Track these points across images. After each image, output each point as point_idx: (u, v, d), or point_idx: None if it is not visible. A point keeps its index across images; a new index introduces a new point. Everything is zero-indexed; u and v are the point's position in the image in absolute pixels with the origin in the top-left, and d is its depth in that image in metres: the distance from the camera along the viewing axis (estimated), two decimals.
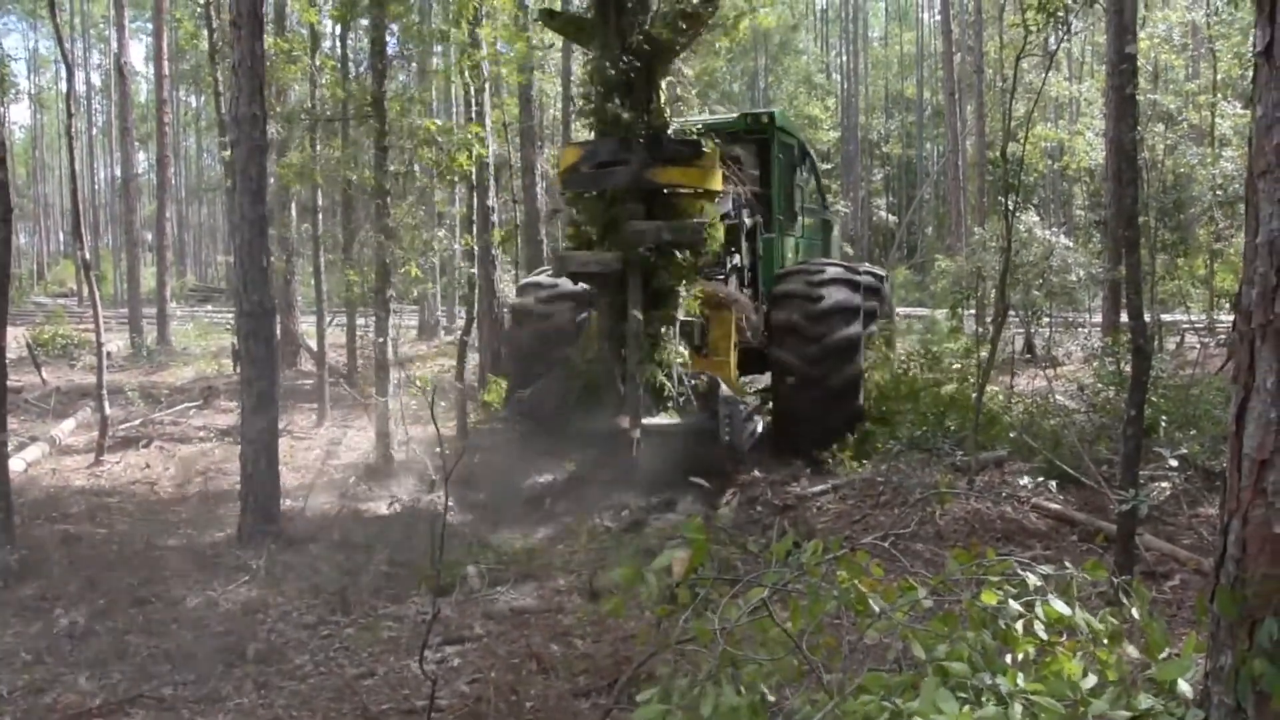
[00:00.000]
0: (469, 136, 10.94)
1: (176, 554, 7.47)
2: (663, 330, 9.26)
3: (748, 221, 10.72)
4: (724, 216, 10.19)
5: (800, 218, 12.97)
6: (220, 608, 6.31)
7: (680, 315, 9.49)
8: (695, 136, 9.49)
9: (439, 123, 11.25)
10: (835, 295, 10.19)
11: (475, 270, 12.41)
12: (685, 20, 9.12)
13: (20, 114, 60.04)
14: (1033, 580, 3.02)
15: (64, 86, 49.89)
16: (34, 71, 58.68)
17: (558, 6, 12.86)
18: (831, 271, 10.61)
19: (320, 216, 13.74)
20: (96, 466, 11.13)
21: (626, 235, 8.91)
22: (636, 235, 8.88)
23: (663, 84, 9.45)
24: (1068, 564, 3.50)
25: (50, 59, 58.64)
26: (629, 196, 9.02)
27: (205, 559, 7.20)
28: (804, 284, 10.40)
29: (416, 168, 11.18)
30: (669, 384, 9.14)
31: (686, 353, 9.59)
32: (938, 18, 34.60)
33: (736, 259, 10.73)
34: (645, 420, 8.61)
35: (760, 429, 9.60)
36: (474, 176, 12.10)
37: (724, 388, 9.21)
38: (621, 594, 5.33)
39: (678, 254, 9.13)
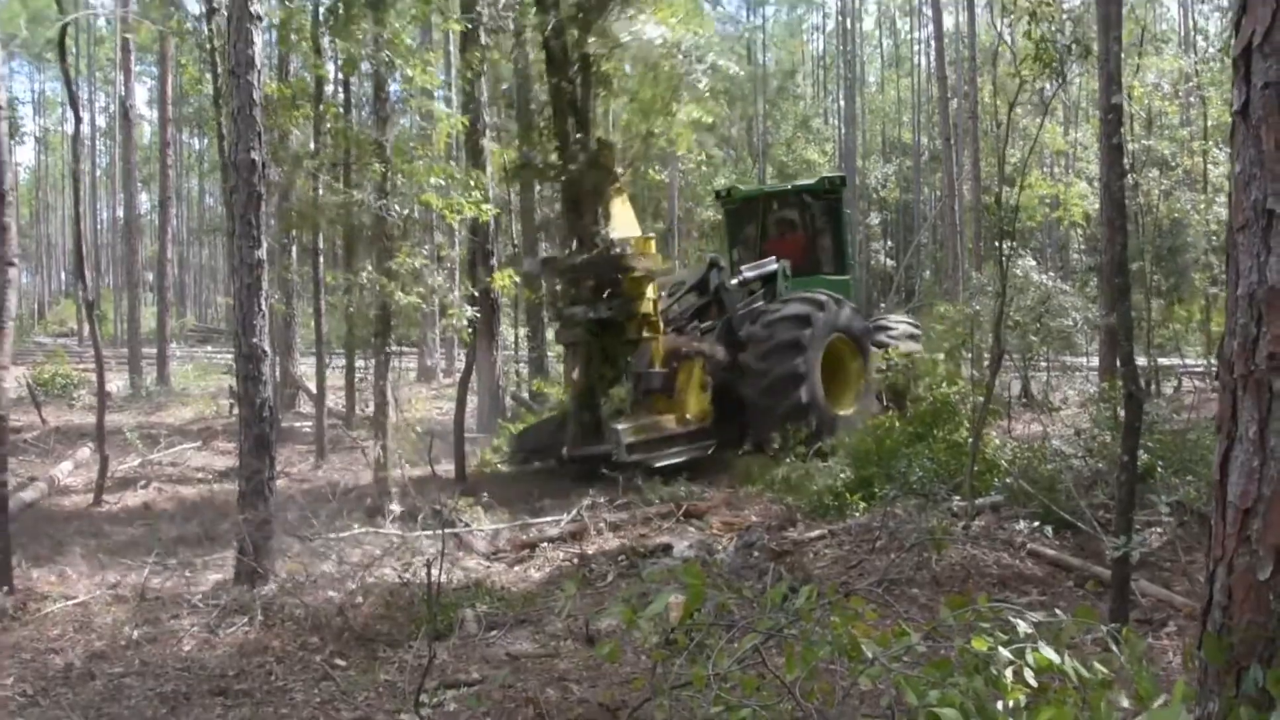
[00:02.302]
0: (469, 181, 11.06)
1: (173, 595, 7.47)
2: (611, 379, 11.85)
3: (727, 283, 13.33)
4: (703, 280, 13.37)
5: (855, 265, 15.18)
6: (217, 650, 6.30)
7: (649, 368, 11.92)
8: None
9: (444, 166, 11.37)
10: (790, 308, 12.56)
11: (476, 314, 12.49)
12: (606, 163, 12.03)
13: (25, 155, 60.37)
14: (1023, 627, 3.04)
15: (68, 128, 50.28)
16: (39, 113, 59.17)
17: None
18: (805, 293, 12.96)
19: (321, 259, 13.84)
20: (95, 507, 11.14)
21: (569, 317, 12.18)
22: (571, 318, 12.16)
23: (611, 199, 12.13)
24: (1059, 610, 3.53)
25: (56, 101, 59.17)
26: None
27: (202, 600, 7.20)
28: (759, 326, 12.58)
29: (417, 212, 11.29)
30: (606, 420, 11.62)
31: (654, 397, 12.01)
32: (933, 64, 35.03)
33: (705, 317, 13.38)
34: (583, 449, 11.74)
35: (680, 458, 11.64)
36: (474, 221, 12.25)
37: (620, 423, 11.29)
38: (618, 638, 5.35)
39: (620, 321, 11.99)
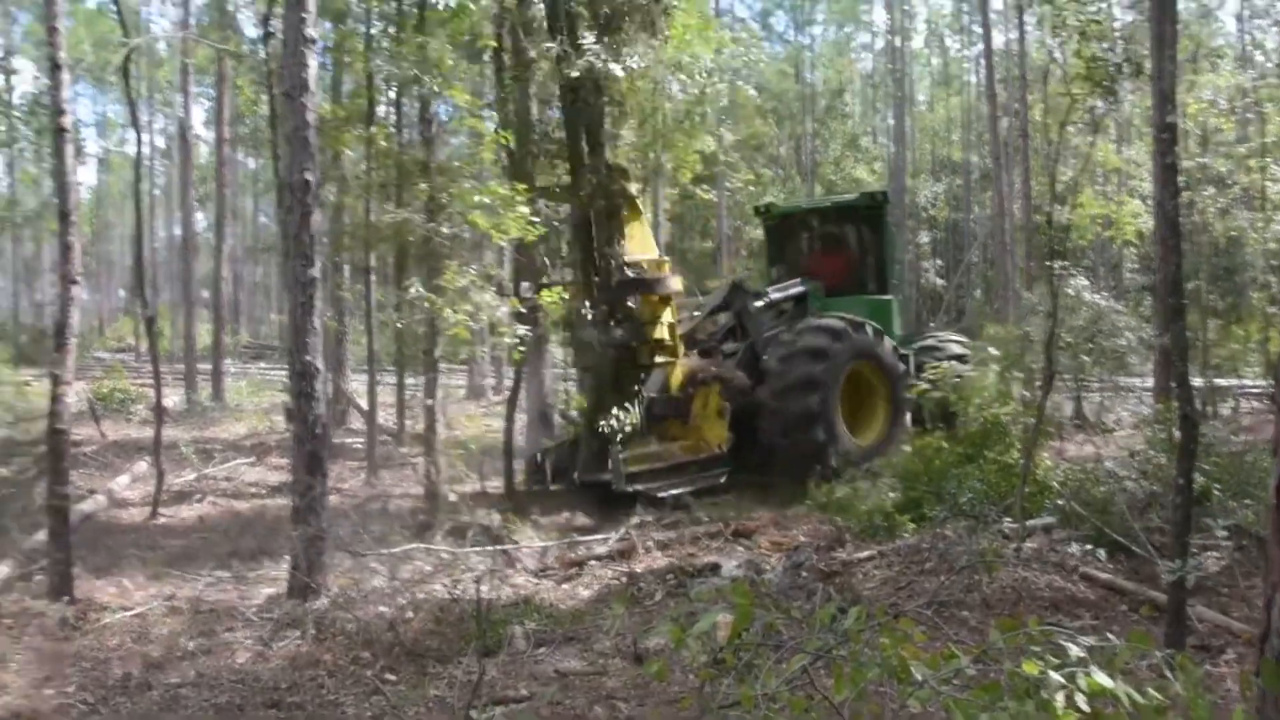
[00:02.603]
0: (514, 199, 11.12)
1: (228, 608, 7.60)
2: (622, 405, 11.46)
3: (750, 305, 13.00)
4: (722, 305, 13.16)
5: (901, 285, 14.62)
6: (270, 663, 6.41)
7: (663, 394, 11.82)
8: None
9: (490, 186, 11.46)
10: (807, 340, 12.11)
11: (526, 332, 12.57)
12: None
13: (87, 175, 61.81)
14: (1075, 651, 3.02)
15: (130, 149, 51.27)
16: (102, 135, 60.58)
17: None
18: (823, 322, 12.53)
19: (373, 278, 14.01)
20: (152, 520, 11.36)
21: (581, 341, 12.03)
22: (586, 342, 11.91)
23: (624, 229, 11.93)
24: (1113, 635, 3.49)
25: (117, 123, 60.54)
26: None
27: (256, 613, 7.31)
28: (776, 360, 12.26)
29: (466, 231, 11.39)
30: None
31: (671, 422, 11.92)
32: (983, 81, 34.79)
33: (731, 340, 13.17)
34: (593, 474, 11.43)
35: (686, 487, 11.32)
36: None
37: (621, 452, 10.98)
38: (666, 657, 5.36)
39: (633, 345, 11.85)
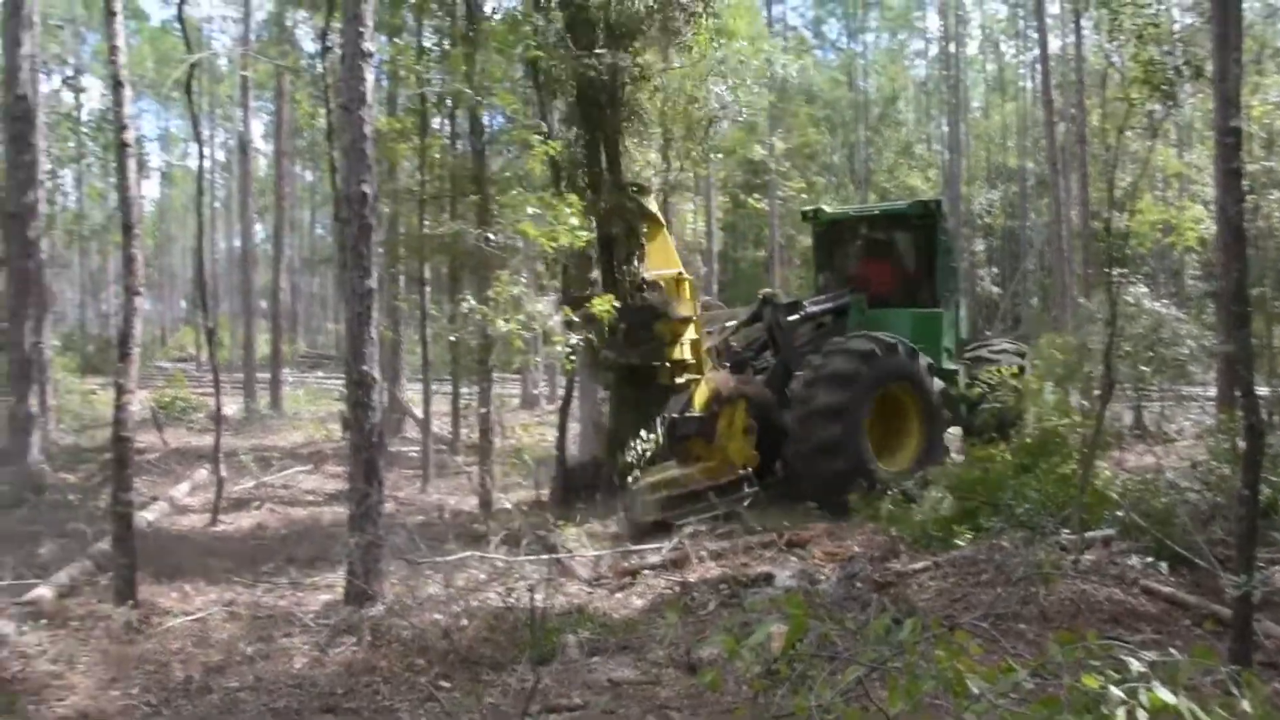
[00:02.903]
0: (565, 209, 11.18)
1: (285, 614, 7.71)
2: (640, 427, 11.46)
3: (782, 319, 12.62)
4: (754, 318, 12.84)
5: (956, 297, 14.34)
6: (327, 668, 6.49)
7: (686, 413, 11.54)
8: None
9: (541, 195, 11.54)
10: (834, 364, 11.57)
11: (578, 341, 12.62)
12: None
13: (150, 189, 63.21)
14: (1136, 666, 2.97)
15: (192, 163, 52.26)
16: (164, 149, 61.98)
17: None
18: (851, 344, 11.92)
19: (428, 288, 14.17)
20: (212, 526, 11.56)
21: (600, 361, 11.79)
22: (606, 361, 11.71)
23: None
24: (1175, 650, 3.43)
25: (179, 137, 61.89)
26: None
27: (313, 620, 7.41)
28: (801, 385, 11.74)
29: (518, 241, 11.47)
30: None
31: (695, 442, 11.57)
32: (1038, 87, 34.34)
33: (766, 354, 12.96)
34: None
35: (708, 513, 10.90)
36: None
37: (639, 482, 10.91)
38: (720, 667, 5.35)
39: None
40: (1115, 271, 9.39)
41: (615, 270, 11.81)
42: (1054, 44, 34.74)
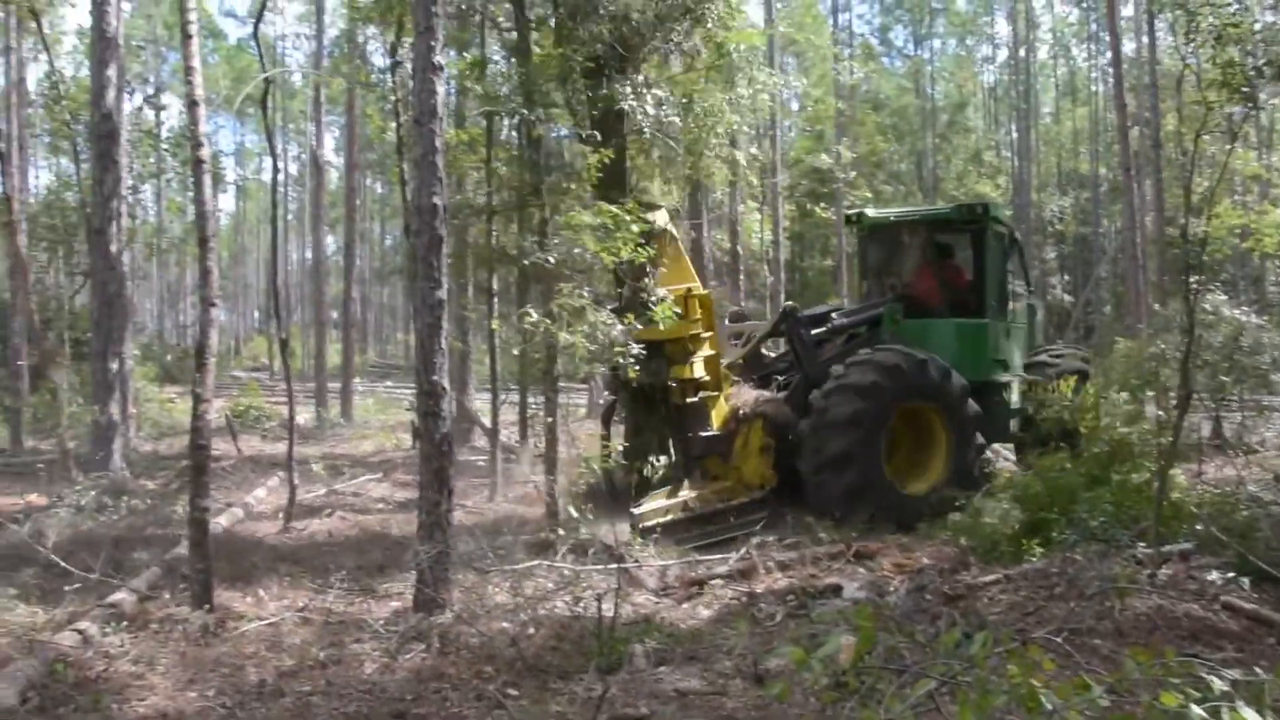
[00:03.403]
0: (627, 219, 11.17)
1: (356, 620, 7.83)
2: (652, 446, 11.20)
3: (804, 333, 12.31)
4: (774, 331, 12.65)
5: (1012, 305, 13.41)
6: (396, 674, 6.57)
7: (702, 432, 11.32)
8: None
9: (602, 207, 11.58)
10: (853, 376, 11.23)
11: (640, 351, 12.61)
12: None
13: (226, 202, 64.82)
14: (1218, 684, 2.91)
15: (266, 177, 53.46)
16: (240, 164, 63.50)
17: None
18: (877, 357, 11.51)
19: (495, 299, 14.31)
20: (284, 533, 11.78)
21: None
22: (609, 382, 11.74)
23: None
24: (1259, 669, 3.35)
25: (253, 151, 63.39)
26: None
27: (383, 626, 7.52)
28: (820, 396, 11.41)
29: (582, 252, 11.49)
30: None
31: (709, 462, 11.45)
32: (1111, 91, 33.72)
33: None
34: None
35: (714, 538, 10.68)
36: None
37: (639, 506, 10.56)
38: (787, 679, 5.32)
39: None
40: (1192, 279, 9.17)
41: (625, 286, 11.45)
42: (1127, 46, 34.11)
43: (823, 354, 12.42)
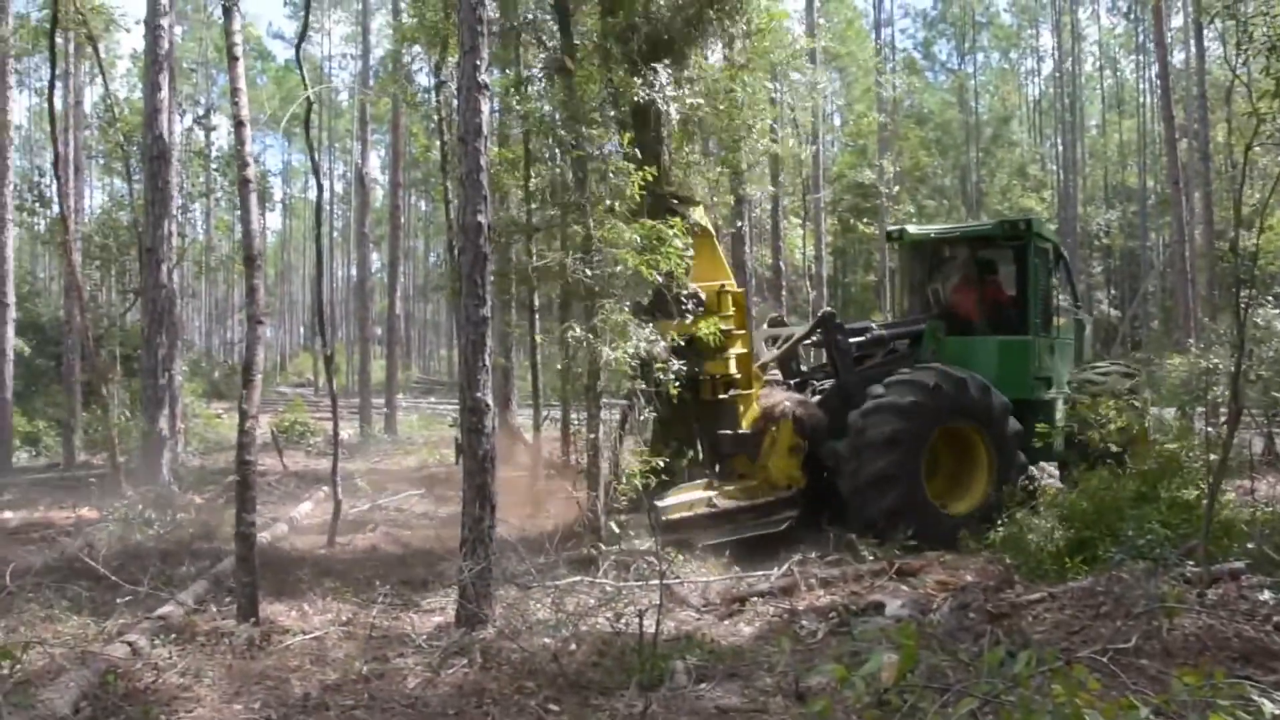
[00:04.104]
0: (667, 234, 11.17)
1: (399, 634, 7.89)
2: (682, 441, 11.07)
3: (842, 341, 12.22)
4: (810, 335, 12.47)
5: (1056, 322, 13.32)
6: (439, 689, 6.61)
7: (731, 430, 11.36)
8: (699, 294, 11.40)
9: (643, 222, 11.61)
10: (893, 395, 11.13)
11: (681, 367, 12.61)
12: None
13: (272, 220, 65.79)
14: (1269, 708, 2.86)
15: (311, 195, 54.27)
16: (287, 183, 64.47)
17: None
18: (917, 376, 11.41)
19: (537, 316, 14.40)
20: (329, 547, 11.90)
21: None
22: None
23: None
24: None
25: (300, 171, 64.33)
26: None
27: (426, 641, 7.57)
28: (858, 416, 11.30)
29: (625, 269, 11.52)
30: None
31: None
32: (1159, 103, 33.33)
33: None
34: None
35: (736, 535, 10.73)
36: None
37: (663, 499, 10.54)
38: (829, 696, 5.29)
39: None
40: (1243, 293, 9.02)
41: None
42: (1175, 58, 33.73)
43: (862, 367, 12.40)
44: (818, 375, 13.09)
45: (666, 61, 11.55)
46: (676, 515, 10.48)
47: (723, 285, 11.76)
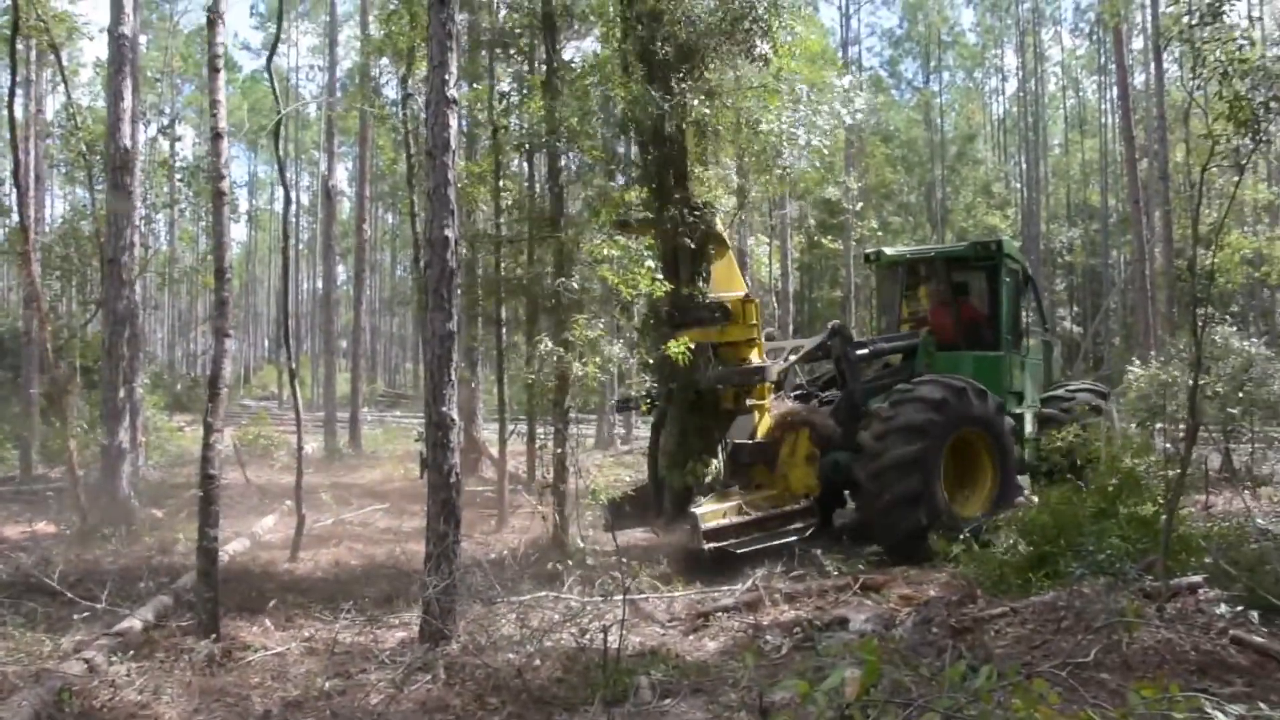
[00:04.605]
0: (643, 253, 11.22)
1: (362, 650, 7.83)
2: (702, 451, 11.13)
3: (850, 353, 12.41)
4: (821, 347, 12.51)
5: (1025, 340, 13.89)
6: (402, 705, 6.56)
7: (749, 439, 11.43)
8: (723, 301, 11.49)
9: (619, 240, 11.63)
10: (905, 415, 11.23)
11: (652, 385, 12.64)
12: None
13: (238, 232, 65.28)
14: (1223, 719, 2.90)
15: (278, 208, 53.89)
16: (252, 194, 64.00)
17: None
18: (921, 391, 11.57)
19: (505, 329, 14.37)
20: (292, 563, 11.79)
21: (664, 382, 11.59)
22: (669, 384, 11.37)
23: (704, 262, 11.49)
24: (1265, 705, 3.33)
25: (266, 182, 63.91)
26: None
27: (389, 656, 7.51)
28: (884, 403, 11.62)
29: (595, 285, 11.55)
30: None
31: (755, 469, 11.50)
32: (1119, 124, 33.84)
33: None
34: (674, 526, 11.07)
35: (769, 542, 10.77)
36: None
37: (699, 507, 10.53)
38: (792, 711, 5.30)
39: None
40: (1200, 311, 9.17)
41: (682, 290, 11.51)
42: (1135, 79, 34.26)
43: (863, 380, 12.70)
44: (815, 387, 13.30)
45: (686, 70, 11.55)
46: (713, 523, 10.49)
47: (747, 295, 11.95)
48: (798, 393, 13.06)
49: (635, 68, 11.64)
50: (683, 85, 11.34)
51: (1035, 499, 11.97)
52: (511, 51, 14.78)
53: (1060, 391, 14.36)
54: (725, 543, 10.46)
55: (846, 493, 12.43)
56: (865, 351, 12.84)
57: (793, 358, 12.90)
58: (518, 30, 14.21)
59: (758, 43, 11.80)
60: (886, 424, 11.27)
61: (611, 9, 12.44)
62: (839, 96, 18.27)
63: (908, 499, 11.03)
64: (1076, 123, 53.71)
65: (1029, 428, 13.44)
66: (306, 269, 58.77)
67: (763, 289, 33.29)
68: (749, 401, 11.66)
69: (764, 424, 11.72)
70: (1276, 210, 29.73)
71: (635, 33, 11.64)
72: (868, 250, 15.65)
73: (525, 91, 13.80)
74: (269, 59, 14.52)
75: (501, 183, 13.74)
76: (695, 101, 11.32)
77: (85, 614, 8.47)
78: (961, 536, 10.45)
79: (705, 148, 12.08)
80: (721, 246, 11.92)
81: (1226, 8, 8.21)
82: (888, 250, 14.93)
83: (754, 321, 11.77)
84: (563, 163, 13.19)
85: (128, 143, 14.88)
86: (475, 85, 15.91)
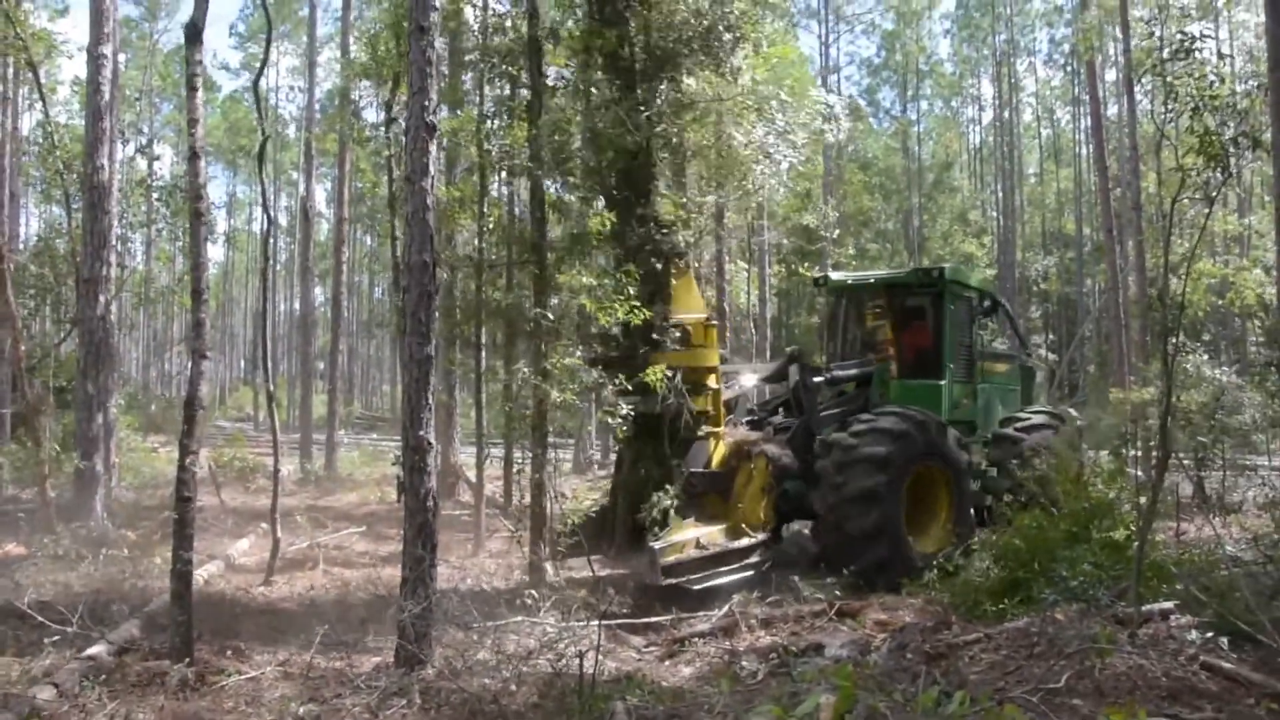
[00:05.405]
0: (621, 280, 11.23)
1: (337, 674, 7.78)
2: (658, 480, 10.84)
3: (808, 380, 12.25)
4: (779, 375, 12.47)
5: (978, 366, 13.62)
6: None
7: (704, 468, 11.28)
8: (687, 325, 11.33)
9: (599, 268, 11.67)
10: (867, 446, 11.03)
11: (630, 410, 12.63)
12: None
13: (215, 252, 65.00)
14: None
15: (256, 228, 53.70)
16: (231, 215, 63.81)
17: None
18: (882, 422, 11.38)
19: (484, 353, 14.37)
20: (266, 586, 11.71)
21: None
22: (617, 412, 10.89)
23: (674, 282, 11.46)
24: None
25: (244, 202, 63.71)
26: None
27: (364, 681, 7.47)
28: (846, 433, 11.38)
29: (575, 314, 11.55)
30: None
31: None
32: (1093, 154, 34.26)
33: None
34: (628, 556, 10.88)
35: (726, 578, 10.50)
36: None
37: (656, 541, 10.18)
38: None
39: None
40: (1171, 340, 9.29)
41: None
42: (1109, 110, 34.72)
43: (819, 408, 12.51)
44: (766, 412, 13.17)
45: (655, 82, 11.52)
46: (671, 558, 10.23)
47: (708, 317, 11.79)
48: (749, 419, 12.92)
49: (602, 83, 11.62)
50: (651, 97, 11.31)
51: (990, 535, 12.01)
52: (494, 76, 14.84)
53: (1017, 418, 14.02)
54: (682, 579, 10.20)
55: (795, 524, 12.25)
56: (821, 379, 12.65)
57: (750, 384, 12.82)
58: (499, 56, 14.27)
59: (728, 56, 11.82)
60: (847, 454, 11.08)
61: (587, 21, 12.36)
62: (823, 111, 18.31)
63: (868, 532, 10.88)
64: (1051, 152, 54.33)
65: (976, 456, 13.14)
66: (284, 290, 58.59)
67: (740, 314, 33.43)
68: (704, 429, 11.44)
69: (719, 452, 11.53)
70: (1245, 241, 30.15)
71: (605, 37, 11.52)
72: (814, 275, 15.68)
73: (508, 118, 13.86)
74: (255, 83, 14.53)
75: (483, 207, 13.77)
76: (663, 114, 11.29)
77: (56, 638, 8.37)
78: (925, 572, 10.50)
79: (674, 163, 11.98)
80: (680, 267, 11.79)
81: (1198, 46, 8.35)
82: (834, 274, 14.86)
83: (714, 345, 11.63)
84: (547, 184, 13.22)
85: (105, 162, 14.84)
86: (458, 111, 15.96)
